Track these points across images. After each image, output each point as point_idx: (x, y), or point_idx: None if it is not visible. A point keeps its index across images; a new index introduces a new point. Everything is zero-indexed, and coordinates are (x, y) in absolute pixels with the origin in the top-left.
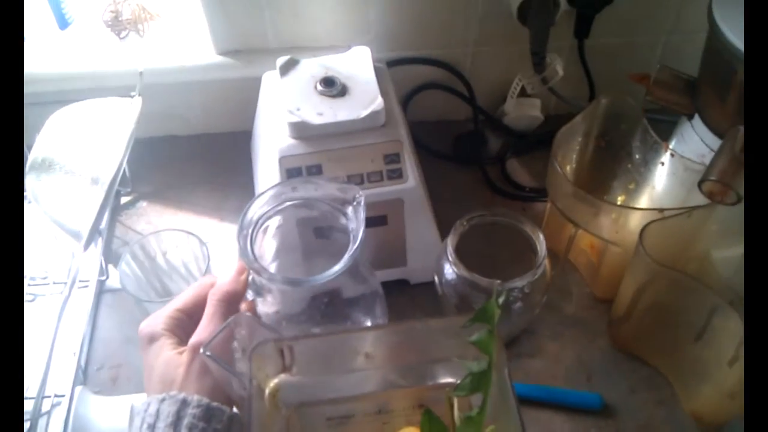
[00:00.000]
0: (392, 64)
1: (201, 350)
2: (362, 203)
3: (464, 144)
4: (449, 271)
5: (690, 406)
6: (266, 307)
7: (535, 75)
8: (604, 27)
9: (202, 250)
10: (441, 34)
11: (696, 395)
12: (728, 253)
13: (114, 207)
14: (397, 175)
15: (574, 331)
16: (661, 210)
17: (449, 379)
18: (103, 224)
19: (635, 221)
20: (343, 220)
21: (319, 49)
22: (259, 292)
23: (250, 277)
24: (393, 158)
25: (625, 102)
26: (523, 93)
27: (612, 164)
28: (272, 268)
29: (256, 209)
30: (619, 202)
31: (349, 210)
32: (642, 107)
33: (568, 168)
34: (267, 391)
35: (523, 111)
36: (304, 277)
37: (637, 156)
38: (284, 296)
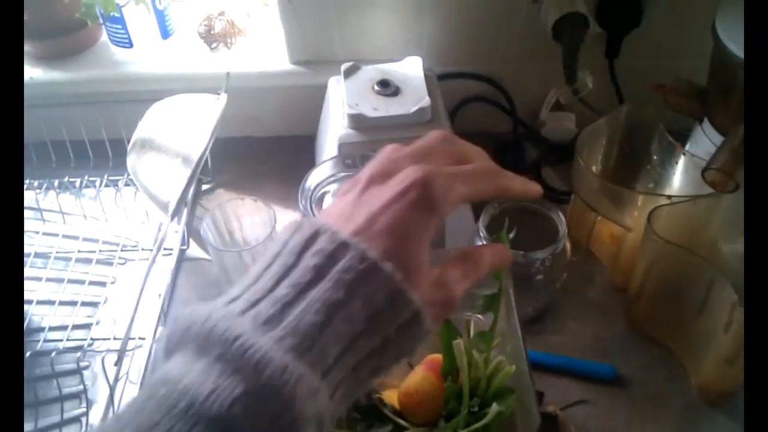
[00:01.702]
0: (441, 77)
1: None
2: None
3: (505, 153)
4: (481, 233)
5: (697, 380)
6: None
7: (567, 87)
8: (633, 48)
9: (269, 214)
10: (486, 51)
11: (700, 366)
12: (734, 246)
13: (196, 192)
14: None
15: (595, 313)
16: (669, 196)
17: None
18: (188, 200)
19: (650, 210)
20: None
21: (379, 60)
22: None
23: None
24: None
25: (645, 109)
26: (559, 107)
27: (634, 166)
28: None
29: (315, 177)
30: (640, 200)
31: None
32: (660, 114)
33: (594, 169)
34: None
35: (559, 123)
36: None
37: (655, 157)
38: None
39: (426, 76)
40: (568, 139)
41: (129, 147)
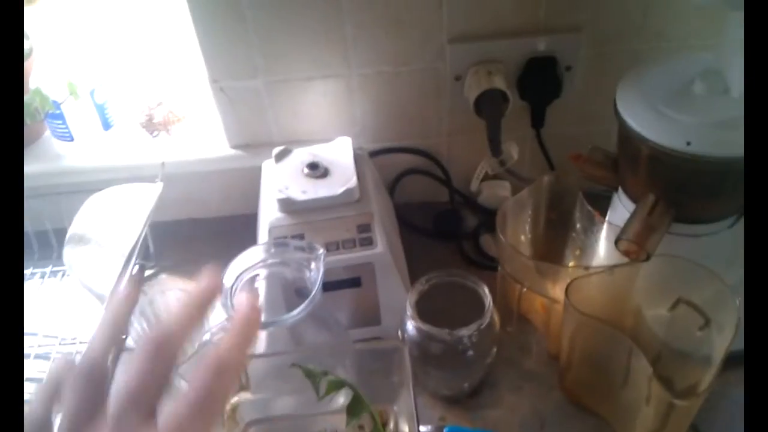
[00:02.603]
0: (376, 153)
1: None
2: (322, 258)
3: (443, 221)
4: (410, 325)
5: None
6: None
7: (493, 159)
8: (558, 117)
9: None
10: (417, 126)
11: None
12: (657, 311)
13: (139, 278)
14: (368, 242)
15: (531, 384)
16: (586, 267)
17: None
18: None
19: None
20: (307, 274)
21: (314, 141)
22: None
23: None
24: (365, 228)
25: (566, 178)
26: (495, 175)
27: (561, 234)
28: None
29: (237, 265)
30: (561, 271)
31: (312, 264)
32: (582, 182)
33: (522, 237)
34: (227, 407)
35: (494, 191)
36: (268, 320)
37: (578, 225)
38: (266, 341)
39: (356, 155)
40: None
41: (66, 240)
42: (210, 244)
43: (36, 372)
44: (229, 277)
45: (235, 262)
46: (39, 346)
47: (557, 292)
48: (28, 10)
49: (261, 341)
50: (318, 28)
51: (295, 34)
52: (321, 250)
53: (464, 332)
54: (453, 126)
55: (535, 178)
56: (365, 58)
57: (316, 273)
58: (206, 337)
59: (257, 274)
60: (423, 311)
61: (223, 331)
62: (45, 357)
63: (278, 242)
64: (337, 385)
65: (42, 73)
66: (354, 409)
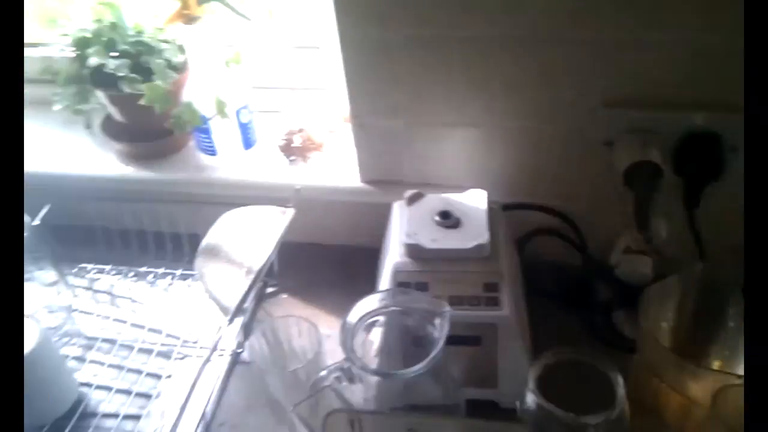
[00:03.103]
0: (511, 207)
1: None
2: (448, 317)
3: (573, 288)
4: (530, 399)
5: None
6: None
7: (638, 234)
8: (716, 200)
9: (316, 336)
10: (557, 186)
11: None
12: None
13: (260, 295)
14: (493, 302)
15: None
16: (739, 376)
17: None
18: (247, 305)
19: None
20: (431, 329)
21: (445, 187)
22: (352, 379)
23: (345, 365)
24: (492, 287)
25: (721, 269)
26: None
27: (708, 329)
28: (373, 362)
29: (360, 308)
30: (715, 368)
31: (437, 321)
32: (739, 276)
33: (664, 325)
34: None
35: (634, 267)
36: (388, 371)
37: (731, 324)
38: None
39: (490, 209)
40: (644, 281)
41: (198, 250)
42: (332, 271)
43: (156, 368)
44: (351, 318)
45: (359, 305)
46: (162, 344)
47: (698, 392)
48: (189, 28)
49: (372, 386)
50: (464, 77)
51: (441, 80)
52: (447, 308)
53: (591, 420)
54: (596, 191)
55: (682, 260)
56: (509, 111)
57: (440, 331)
58: (323, 373)
59: (377, 319)
60: (545, 386)
61: (340, 371)
62: (166, 355)
63: (403, 290)
64: None
65: (194, 89)
66: None
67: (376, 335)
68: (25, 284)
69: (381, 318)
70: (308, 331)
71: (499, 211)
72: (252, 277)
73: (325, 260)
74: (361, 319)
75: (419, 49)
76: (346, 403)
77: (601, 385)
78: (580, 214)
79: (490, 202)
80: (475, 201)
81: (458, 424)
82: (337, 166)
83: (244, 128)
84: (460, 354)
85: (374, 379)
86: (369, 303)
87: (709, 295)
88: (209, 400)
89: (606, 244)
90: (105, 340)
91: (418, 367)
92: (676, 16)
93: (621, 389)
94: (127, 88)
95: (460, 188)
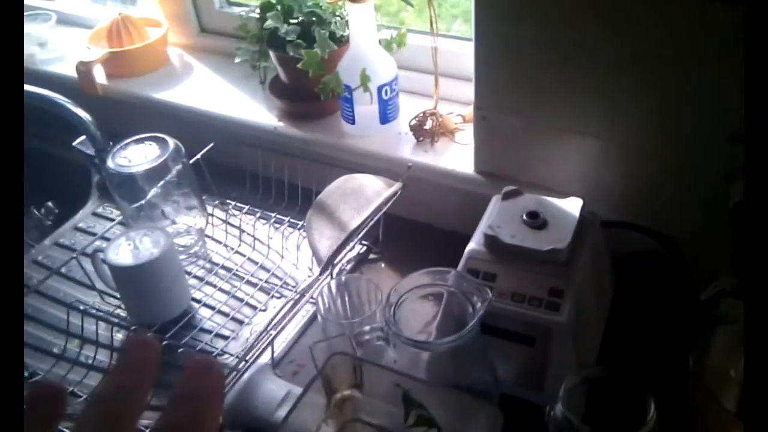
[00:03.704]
0: (615, 224)
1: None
2: (487, 303)
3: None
4: (558, 407)
5: None
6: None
7: (734, 277)
8: None
9: (379, 297)
10: (669, 211)
11: None
12: None
13: (362, 259)
14: (553, 307)
15: None
16: None
17: None
18: (339, 261)
19: None
20: (470, 310)
21: (552, 191)
22: (387, 341)
23: (385, 327)
24: (556, 293)
25: None
26: None
27: None
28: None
29: (409, 281)
30: None
31: (478, 304)
32: None
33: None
34: (338, 395)
35: (728, 309)
36: (416, 339)
37: None
38: (410, 354)
39: (583, 219)
40: None
41: (313, 204)
42: (432, 250)
43: (255, 301)
44: (399, 287)
45: (411, 277)
46: (266, 281)
47: None
48: (356, 6)
49: (405, 354)
50: (588, 86)
51: (565, 85)
52: (489, 296)
53: None
54: (709, 225)
55: None
56: (630, 128)
57: (476, 314)
58: (366, 328)
59: (428, 292)
60: (578, 398)
61: (380, 330)
62: (267, 291)
63: (461, 274)
64: (426, 423)
65: (348, 61)
66: None
67: (426, 308)
68: (169, 206)
69: (429, 293)
70: (374, 291)
71: (595, 223)
72: (344, 236)
73: (428, 239)
74: (410, 290)
75: (547, 51)
76: (376, 358)
77: (635, 407)
78: (687, 244)
79: (586, 213)
80: (569, 208)
81: (434, 392)
82: (459, 153)
83: (384, 104)
84: (513, 350)
85: (407, 348)
86: (421, 278)
87: None
88: (287, 338)
89: (705, 281)
90: (224, 267)
91: (444, 340)
92: None
93: (652, 414)
94: (291, 52)
95: (566, 195)
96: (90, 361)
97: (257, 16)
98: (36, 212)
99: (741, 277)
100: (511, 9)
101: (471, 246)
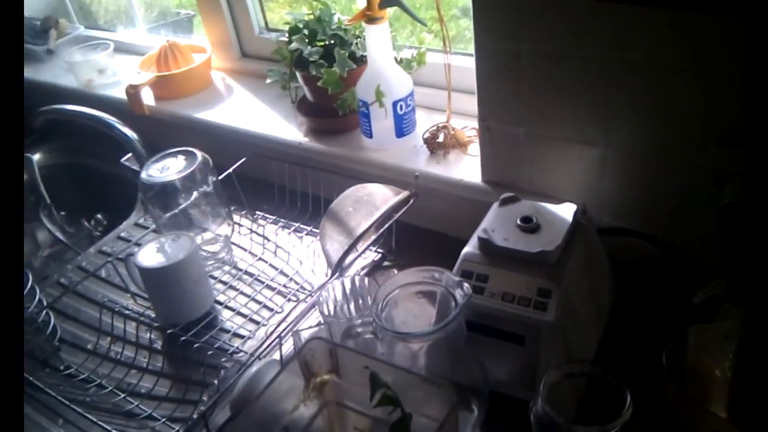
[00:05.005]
0: (612, 230)
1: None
2: (467, 298)
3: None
4: (539, 402)
5: None
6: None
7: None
8: None
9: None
10: (664, 217)
11: None
12: None
13: (377, 264)
14: (541, 307)
15: None
16: None
17: None
18: (348, 265)
19: None
20: (453, 304)
21: (554, 198)
22: (375, 334)
23: (373, 320)
24: (544, 293)
25: None
26: None
27: None
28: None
29: (396, 279)
30: None
31: (459, 298)
32: None
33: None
34: (318, 379)
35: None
36: (397, 330)
37: None
38: (399, 349)
39: (577, 223)
40: None
41: (326, 212)
42: (443, 258)
43: (273, 303)
44: (387, 285)
45: (396, 277)
46: (284, 286)
47: None
48: (372, 28)
49: (389, 345)
50: (585, 96)
51: (563, 96)
52: (470, 291)
53: (593, 430)
54: (703, 230)
55: None
56: (625, 135)
57: (455, 307)
58: (357, 321)
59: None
60: (559, 393)
61: (370, 324)
62: (284, 295)
63: (440, 271)
64: (389, 402)
65: (365, 78)
66: (396, 429)
67: (427, 310)
68: (199, 215)
69: (415, 290)
70: (371, 288)
71: (590, 228)
72: (350, 241)
73: (439, 247)
74: (400, 287)
75: (545, 64)
76: (367, 350)
77: (614, 401)
78: (684, 249)
79: (580, 217)
80: (563, 212)
81: (395, 372)
82: (470, 165)
83: (399, 118)
84: (504, 349)
85: (395, 342)
86: (409, 275)
87: None
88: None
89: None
90: (247, 273)
91: (423, 331)
92: None
93: (628, 405)
94: (314, 72)
95: (571, 201)
96: (118, 357)
97: (286, 39)
98: (86, 224)
99: (730, 280)
100: (508, 26)
101: (466, 249)
